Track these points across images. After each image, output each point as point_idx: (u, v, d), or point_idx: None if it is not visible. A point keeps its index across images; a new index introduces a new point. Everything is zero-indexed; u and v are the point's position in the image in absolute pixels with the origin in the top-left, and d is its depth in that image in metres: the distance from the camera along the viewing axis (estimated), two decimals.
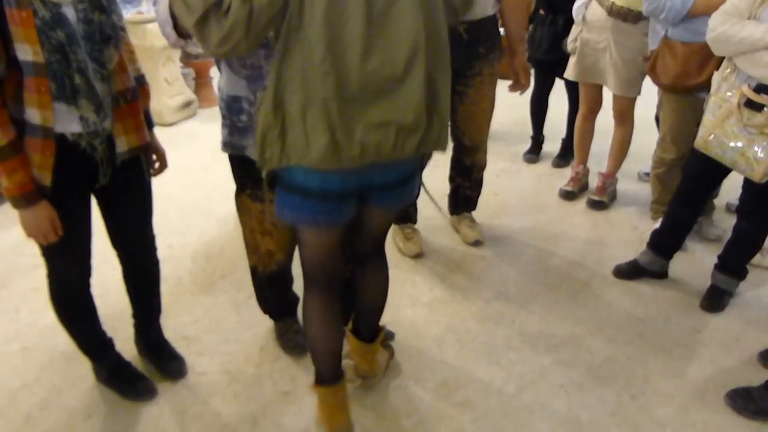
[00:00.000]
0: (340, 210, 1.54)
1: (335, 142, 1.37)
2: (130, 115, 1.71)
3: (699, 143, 2.28)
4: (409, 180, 1.61)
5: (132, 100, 1.72)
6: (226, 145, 1.87)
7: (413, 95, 1.39)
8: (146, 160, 1.84)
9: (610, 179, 3.37)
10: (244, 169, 1.89)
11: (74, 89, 1.52)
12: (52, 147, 1.55)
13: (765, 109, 2.06)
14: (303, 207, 1.51)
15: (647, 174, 3.57)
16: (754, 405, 1.98)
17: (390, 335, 2.27)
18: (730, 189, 3.23)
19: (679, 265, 2.76)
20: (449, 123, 1.55)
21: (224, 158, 1.96)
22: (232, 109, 1.80)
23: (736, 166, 2.18)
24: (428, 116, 1.44)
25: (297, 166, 1.43)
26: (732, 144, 2.16)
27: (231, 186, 2.00)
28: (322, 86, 1.33)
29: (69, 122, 1.56)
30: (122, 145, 1.70)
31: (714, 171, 2.39)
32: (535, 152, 4.05)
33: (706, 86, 2.42)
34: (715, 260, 2.56)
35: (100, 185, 1.70)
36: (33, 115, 1.52)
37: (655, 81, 2.76)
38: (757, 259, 2.67)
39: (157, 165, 1.94)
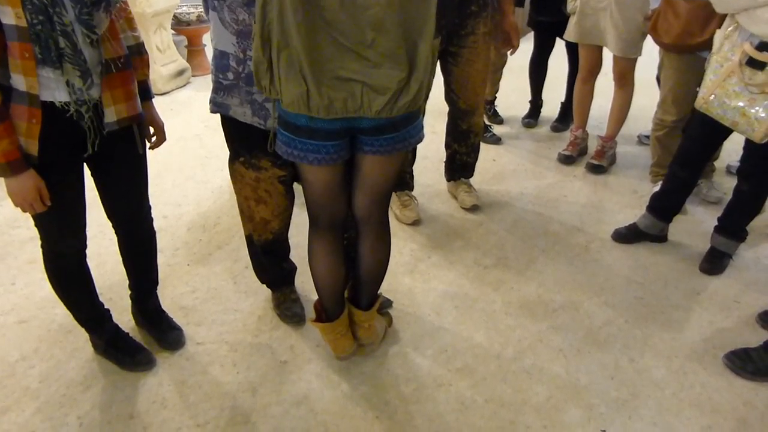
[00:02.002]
0: (328, 149, 1.56)
1: (305, 90, 1.43)
2: (120, 84, 1.66)
3: (699, 103, 2.24)
4: (401, 126, 1.58)
5: (123, 68, 1.66)
6: (211, 103, 1.83)
7: (386, 55, 1.40)
8: (140, 131, 1.78)
9: (609, 143, 3.33)
10: (236, 134, 1.85)
11: (59, 53, 1.47)
12: (39, 115, 1.51)
13: (767, 67, 2.01)
14: (295, 144, 1.57)
15: (647, 137, 3.54)
16: (752, 365, 1.98)
17: (388, 303, 2.26)
18: (731, 151, 3.20)
19: (678, 228, 2.74)
20: (428, 83, 1.53)
21: (219, 127, 1.92)
22: (218, 66, 1.75)
23: (737, 127, 2.14)
24: (406, 78, 1.44)
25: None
26: (733, 104, 2.12)
27: (226, 155, 1.97)
28: (296, 34, 1.36)
29: (56, 89, 1.52)
30: (111, 115, 1.65)
31: (714, 132, 2.36)
32: (533, 117, 4.00)
33: (708, 45, 2.36)
34: (714, 223, 2.55)
35: (88, 155, 1.67)
36: (18, 81, 1.48)
37: (657, 41, 2.70)
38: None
39: (154, 139, 1.90)
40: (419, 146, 2.85)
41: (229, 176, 2.01)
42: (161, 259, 2.46)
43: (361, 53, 1.40)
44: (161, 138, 1.92)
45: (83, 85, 1.54)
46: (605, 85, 3.33)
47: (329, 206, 1.75)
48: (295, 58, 1.40)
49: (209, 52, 1.94)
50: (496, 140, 3.69)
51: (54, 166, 1.59)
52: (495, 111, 4.02)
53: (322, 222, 1.79)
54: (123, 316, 2.18)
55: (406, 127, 1.59)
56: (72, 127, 1.59)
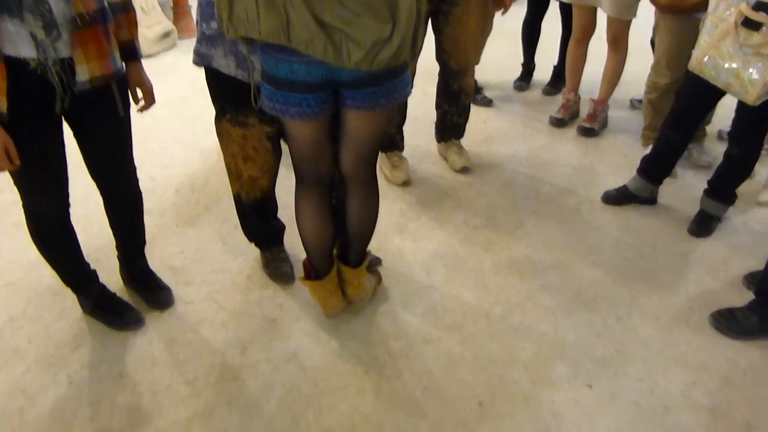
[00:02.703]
0: (309, 102, 1.54)
1: (286, 20, 1.38)
2: (92, 41, 1.57)
3: (693, 65, 2.22)
4: (383, 80, 1.54)
5: (94, 23, 1.56)
6: (195, 54, 1.78)
7: (367, 5, 1.36)
8: (119, 91, 1.71)
9: (601, 106, 3.31)
10: (221, 89, 1.82)
11: (19, 1, 1.40)
12: (3, 70, 1.45)
13: (763, 28, 1.99)
14: (276, 97, 1.55)
15: (639, 101, 3.51)
16: (737, 325, 2.01)
17: (377, 261, 2.26)
18: (723, 116, 3.18)
19: (668, 191, 2.75)
20: (414, 39, 1.49)
21: (206, 90, 1.88)
22: (203, 15, 1.70)
23: (730, 89, 2.13)
24: (388, 32, 1.40)
25: (270, 56, 1.50)
26: (727, 65, 2.10)
27: (213, 118, 1.93)
28: None
29: (20, 44, 1.45)
30: (83, 74, 1.57)
31: (707, 95, 2.35)
32: (525, 80, 3.96)
33: (704, 6, 2.32)
34: (704, 187, 2.55)
35: (66, 114, 1.62)
36: None
37: (653, 1, 2.66)
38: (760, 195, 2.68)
39: (142, 101, 1.84)
40: (409, 107, 2.86)
41: (216, 139, 1.98)
42: (149, 221, 2.43)
43: (342, 1, 1.36)
44: (150, 100, 1.86)
45: (47, 38, 1.47)
46: (599, 49, 3.29)
47: (315, 163, 1.73)
48: None
49: (195, 13, 1.88)
50: (488, 102, 3.66)
51: (24, 124, 1.54)
52: (484, 95, 3.95)
53: (308, 179, 1.77)
54: (111, 277, 2.17)
55: (390, 81, 1.56)
56: (43, 84, 1.53)
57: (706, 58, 2.16)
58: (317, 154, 1.71)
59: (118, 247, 2.11)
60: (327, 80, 1.52)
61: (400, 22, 1.41)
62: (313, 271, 1.94)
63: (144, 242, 2.12)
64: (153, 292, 2.12)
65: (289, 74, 1.50)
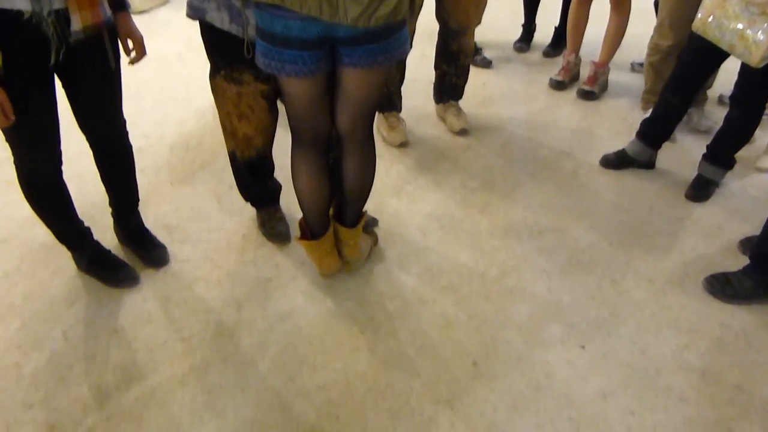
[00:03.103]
0: (305, 59, 1.50)
1: None
2: None
3: (697, 25, 2.18)
4: (381, 37, 1.50)
5: None
6: (188, 6, 1.72)
7: None
8: (110, 41, 1.69)
9: (602, 69, 3.26)
10: (215, 44, 1.77)
11: None
12: None
13: None
14: (272, 54, 1.51)
15: (640, 65, 3.47)
16: (730, 289, 2.02)
17: (374, 222, 2.25)
18: (724, 81, 3.15)
19: (666, 156, 2.73)
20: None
21: (201, 47, 1.83)
22: None
23: (734, 50, 2.09)
24: None
25: (263, 12, 1.45)
26: (731, 26, 2.06)
27: (207, 75, 1.89)
28: None
29: None
30: (76, 23, 1.54)
31: (710, 57, 2.32)
32: (525, 41, 3.89)
33: None
34: (703, 152, 2.53)
35: (57, 67, 1.59)
36: None
37: None
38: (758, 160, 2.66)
39: (133, 53, 1.80)
40: (408, 68, 2.81)
41: (212, 98, 1.94)
42: (144, 179, 2.42)
43: None
44: (140, 52, 1.81)
45: None
46: (601, 10, 3.22)
47: (311, 121, 1.70)
48: None
49: None
50: (487, 63, 3.60)
51: (18, 79, 1.51)
52: (483, 56, 3.88)
53: (304, 138, 1.75)
54: (106, 234, 2.16)
55: (388, 39, 1.51)
56: (36, 37, 1.49)
57: (710, 19, 2.11)
58: (313, 113, 1.68)
59: (111, 204, 2.09)
60: (323, 36, 1.48)
61: None
62: (309, 231, 1.93)
63: (137, 199, 2.11)
64: (147, 250, 2.11)
65: (284, 30, 1.45)
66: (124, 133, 1.92)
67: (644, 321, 1.93)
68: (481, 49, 3.67)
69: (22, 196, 1.82)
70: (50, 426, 1.61)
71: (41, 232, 2.10)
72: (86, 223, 2.02)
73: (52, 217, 1.92)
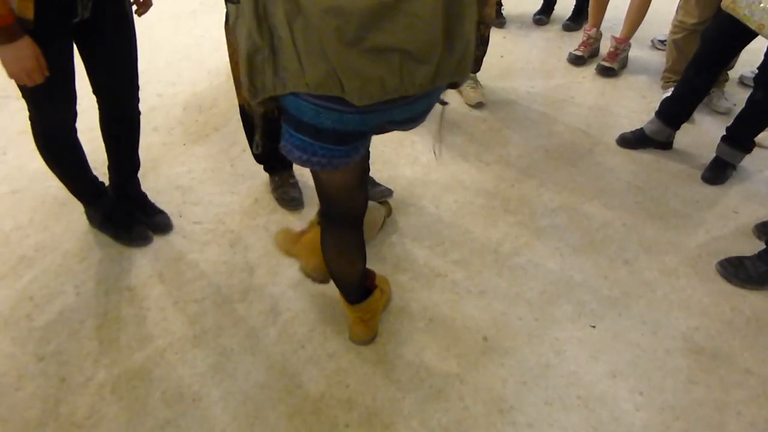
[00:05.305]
0: (357, 148, 1.27)
1: (332, 70, 1.05)
2: None
3: (726, 3, 2.13)
4: (431, 105, 1.29)
5: None
6: None
7: (422, 11, 1.02)
8: None
9: (623, 45, 3.20)
10: None
11: None
12: None
13: None
14: (313, 149, 1.21)
15: (662, 42, 3.40)
16: (744, 273, 2.01)
17: (388, 192, 2.23)
18: (746, 62, 3.09)
19: (685, 137, 2.69)
20: (473, 39, 1.18)
21: (215, 4, 1.79)
22: None
23: (763, 30, 2.05)
24: (445, 39, 1.08)
25: (306, 102, 1.13)
26: (762, 4, 2.01)
27: (222, 36, 1.84)
28: None
29: None
30: None
31: (736, 37, 2.28)
32: (545, 14, 3.80)
33: None
34: (722, 134, 2.50)
35: (80, 19, 1.56)
36: None
37: None
38: None
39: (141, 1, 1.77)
40: None
41: (225, 59, 1.89)
42: (156, 137, 2.40)
43: (392, 10, 1.01)
44: (147, 2, 1.79)
45: None
46: None
47: (349, 203, 1.47)
48: (313, 29, 1.02)
49: None
50: (501, 23, 3.57)
51: (46, 33, 1.48)
52: (499, 11, 3.80)
53: (337, 218, 1.50)
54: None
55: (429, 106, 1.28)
56: None
57: None
58: (352, 195, 1.45)
59: (111, 169, 2.03)
60: (381, 123, 1.22)
61: (464, 30, 1.12)
62: (345, 297, 1.71)
63: (138, 165, 2.07)
64: (150, 216, 2.09)
65: (338, 125, 1.16)
66: (136, 99, 1.89)
67: (655, 302, 1.93)
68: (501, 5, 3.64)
69: (35, 148, 1.80)
70: (61, 378, 1.63)
71: (53, 186, 2.09)
72: (99, 179, 2.01)
73: (68, 173, 1.91)
